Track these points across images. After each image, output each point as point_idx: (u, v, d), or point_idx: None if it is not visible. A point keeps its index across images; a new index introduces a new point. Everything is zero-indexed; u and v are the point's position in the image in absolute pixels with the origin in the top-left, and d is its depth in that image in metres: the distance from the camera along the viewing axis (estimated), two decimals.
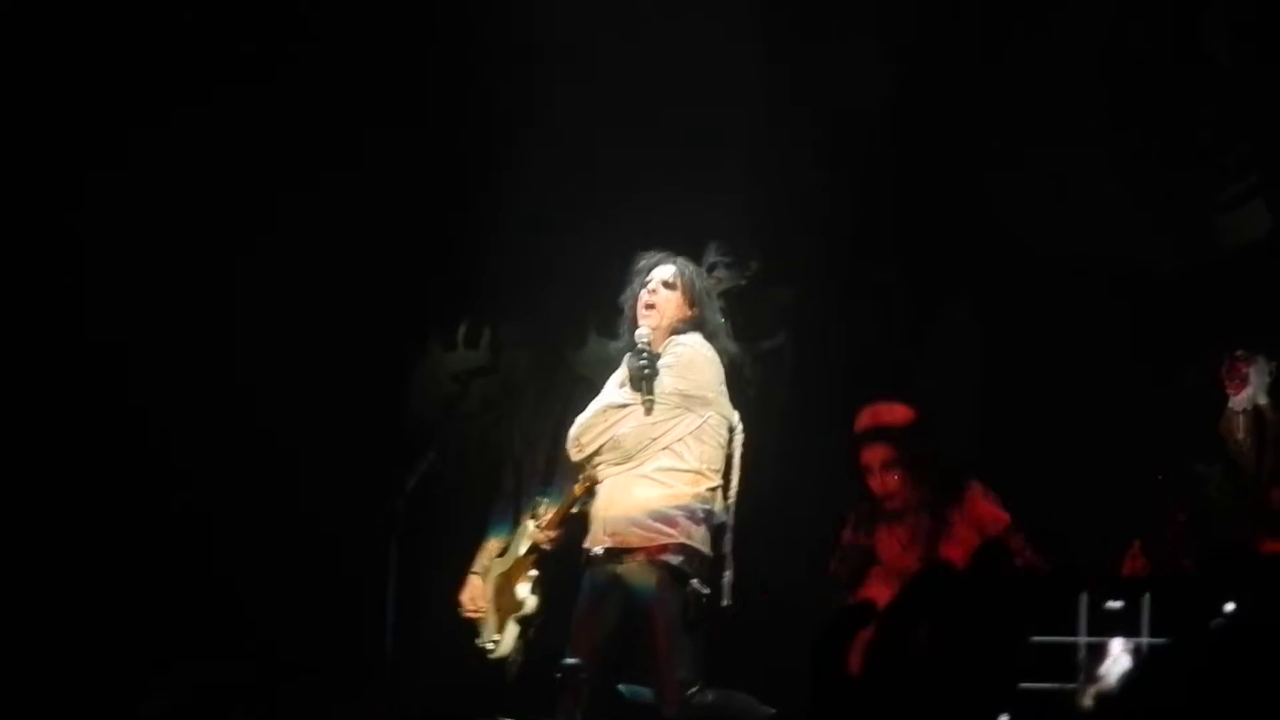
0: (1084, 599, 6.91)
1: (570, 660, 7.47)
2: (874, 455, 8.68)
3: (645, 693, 7.68)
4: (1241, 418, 9.50)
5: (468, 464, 9.63)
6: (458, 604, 8.89)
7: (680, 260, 7.64)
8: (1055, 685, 5.61)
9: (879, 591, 8.38)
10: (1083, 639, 6.01)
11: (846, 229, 10.45)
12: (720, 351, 7.57)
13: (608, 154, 10.04)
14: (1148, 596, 6.01)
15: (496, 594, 8.87)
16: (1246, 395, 9.47)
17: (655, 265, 7.63)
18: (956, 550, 8.53)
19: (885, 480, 8.66)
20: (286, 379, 9.78)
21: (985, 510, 8.71)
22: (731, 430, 7.58)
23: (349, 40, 10.20)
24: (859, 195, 10.45)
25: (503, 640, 8.89)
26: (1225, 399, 9.53)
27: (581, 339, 9.57)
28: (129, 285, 9.85)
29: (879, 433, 8.70)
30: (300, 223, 9.88)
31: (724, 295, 9.22)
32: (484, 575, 8.92)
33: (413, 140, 10.16)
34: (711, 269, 9.34)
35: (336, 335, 9.88)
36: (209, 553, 9.73)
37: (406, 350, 10.33)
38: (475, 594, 8.91)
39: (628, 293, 7.65)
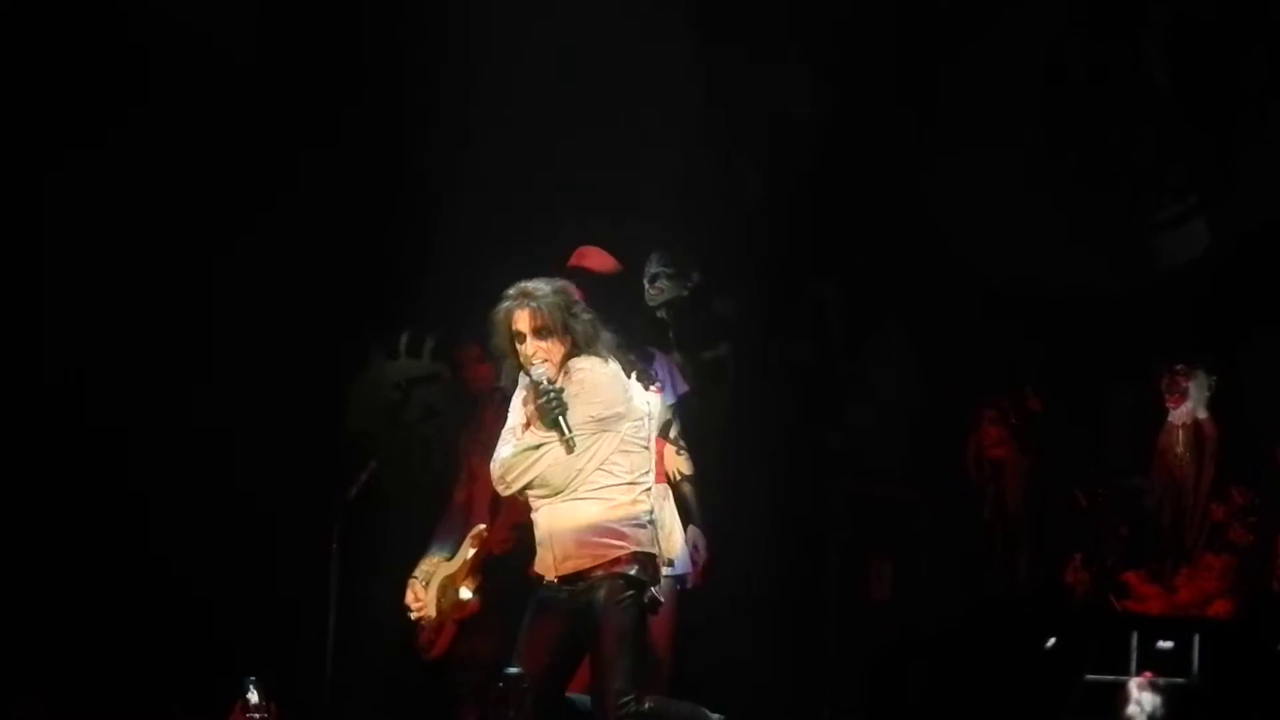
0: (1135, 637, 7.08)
1: (513, 670, 7.39)
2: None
3: (586, 701, 7.64)
4: (1181, 431, 9.61)
5: (410, 472, 9.56)
6: (402, 608, 8.81)
7: (530, 297, 7.34)
8: None
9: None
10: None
11: (788, 244, 10.48)
12: (609, 356, 7.46)
13: (550, 163, 10.05)
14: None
15: (440, 595, 8.79)
16: (1186, 409, 9.58)
17: (513, 314, 7.43)
18: None
19: None
20: (229, 389, 9.72)
21: None
22: (647, 419, 7.51)
23: (288, 66, 10.17)
24: (800, 211, 10.48)
25: (439, 641, 8.82)
26: (1165, 413, 9.62)
27: None
28: (76, 299, 9.79)
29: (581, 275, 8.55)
30: (242, 238, 9.85)
31: (666, 306, 9.27)
32: (425, 580, 8.84)
33: (352, 153, 10.14)
34: (654, 279, 9.33)
35: (278, 345, 9.83)
36: (148, 562, 9.63)
37: (347, 359, 10.28)
38: (419, 594, 8.83)
39: (494, 341, 7.50)
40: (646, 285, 9.26)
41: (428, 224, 9.89)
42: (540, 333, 7.30)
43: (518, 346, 7.32)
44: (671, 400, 8.54)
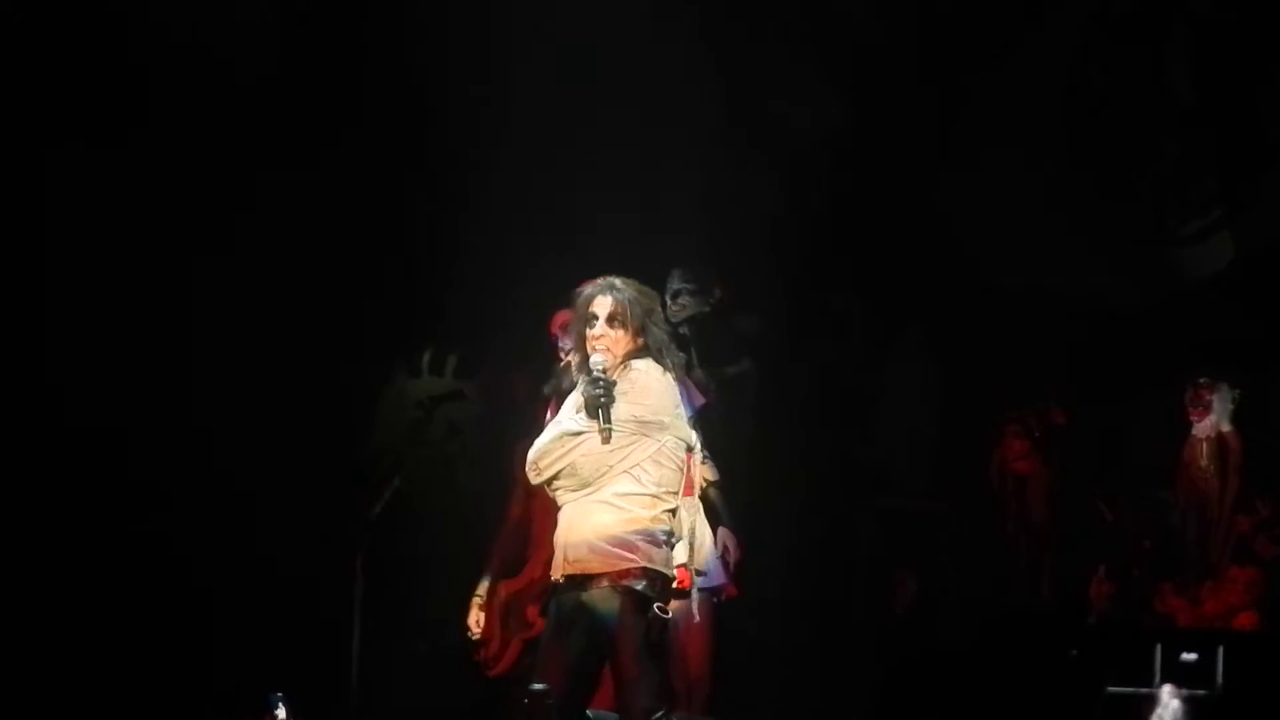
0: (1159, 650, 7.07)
1: (537, 686, 7.40)
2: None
3: (608, 717, 7.64)
4: (1205, 445, 9.61)
5: (434, 491, 9.55)
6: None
7: (616, 289, 7.42)
8: None
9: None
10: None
11: (808, 258, 10.49)
12: (672, 369, 7.51)
13: (572, 180, 10.07)
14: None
15: (505, 614, 8.74)
16: (1210, 422, 9.58)
17: (594, 298, 7.50)
18: None
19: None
20: (249, 408, 9.70)
21: None
22: (690, 450, 7.53)
23: (308, 74, 10.21)
24: (820, 225, 10.49)
25: (502, 659, 8.77)
26: (1189, 426, 9.62)
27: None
28: (82, 317, 9.77)
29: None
30: (260, 251, 9.83)
31: (688, 322, 9.28)
32: (485, 598, 8.80)
33: (372, 169, 10.15)
34: (675, 296, 9.32)
35: (299, 363, 9.81)
36: (170, 583, 9.63)
37: (370, 377, 10.29)
38: (479, 617, 8.78)
39: (571, 327, 7.56)
40: (668, 301, 9.24)
41: (448, 239, 9.90)
42: (612, 321, 7.32)
43: (587, 331, 7.36)
44: (689, 414, 8.54)
